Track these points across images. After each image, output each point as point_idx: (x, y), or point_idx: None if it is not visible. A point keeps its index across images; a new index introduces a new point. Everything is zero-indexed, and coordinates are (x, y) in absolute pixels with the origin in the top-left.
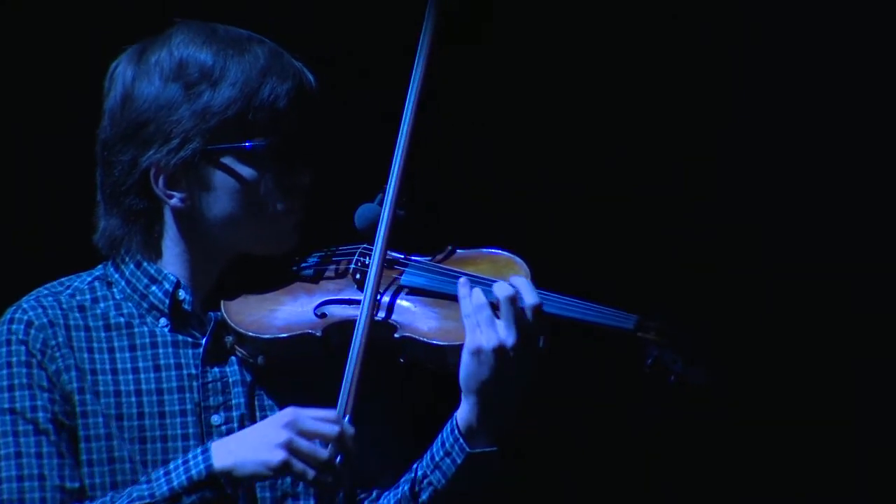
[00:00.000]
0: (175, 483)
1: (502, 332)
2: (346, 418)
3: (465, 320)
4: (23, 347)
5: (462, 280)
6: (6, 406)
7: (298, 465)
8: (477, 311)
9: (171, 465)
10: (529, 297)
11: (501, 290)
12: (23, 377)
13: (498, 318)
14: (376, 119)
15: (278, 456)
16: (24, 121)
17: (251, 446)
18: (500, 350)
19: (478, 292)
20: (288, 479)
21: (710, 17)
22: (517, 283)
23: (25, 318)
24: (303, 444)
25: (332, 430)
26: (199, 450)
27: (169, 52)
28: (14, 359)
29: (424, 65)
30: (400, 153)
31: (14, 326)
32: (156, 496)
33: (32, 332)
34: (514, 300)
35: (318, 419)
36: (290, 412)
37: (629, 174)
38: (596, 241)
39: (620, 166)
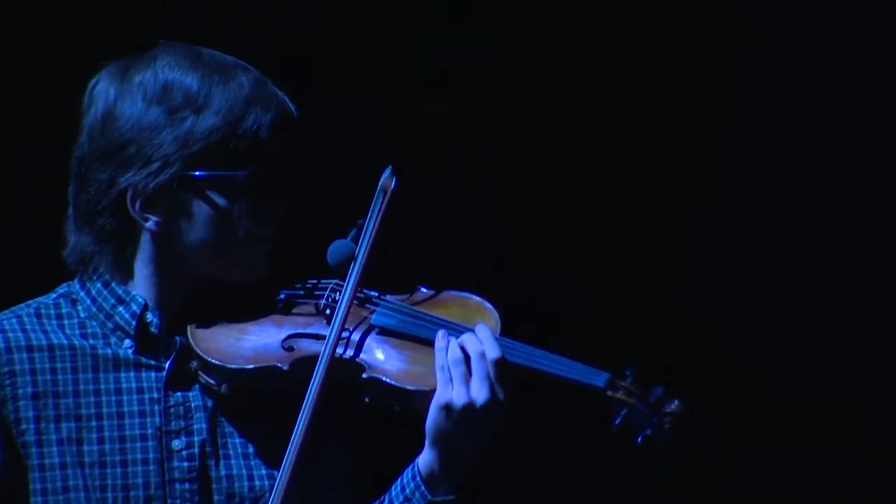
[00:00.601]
0: None
1: (473, 391)
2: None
3: (438, 372)
4: None
5: (441, 332)
6: None
7: None
8: (453, 365)
9: None
10: (491, 351)
11: (472, 346)
12: None
13: (470, 374)
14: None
15: None
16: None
17: None
18: (469, 407)
19: (455, 347)
20: None
21: (710, 17)
22: (482, 335)
23: None
24: None
25: None
26: None
27: (154, 74)
28: None
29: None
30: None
31: None
32: None
33: None
34: (484, 356)
35: None
36: None
37: (617, 197)
38: (570, 283)
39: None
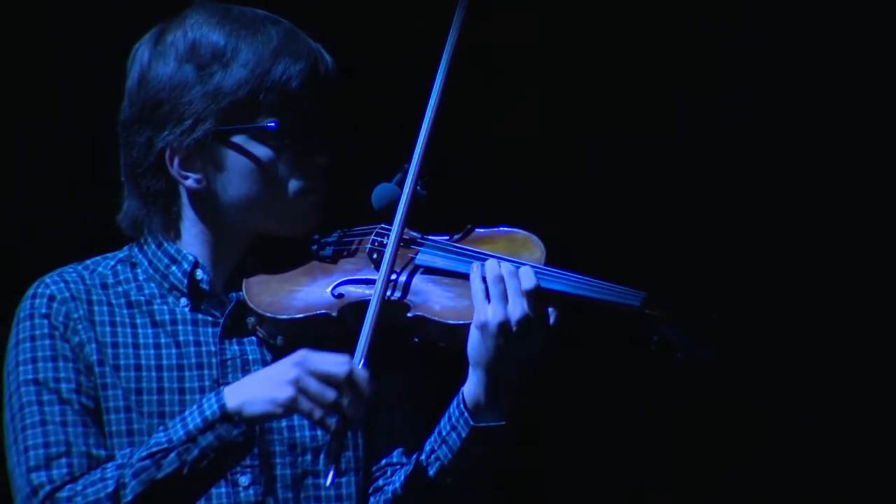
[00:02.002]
0: (191, 426)
1: (509, 308)
2: (361, 362)
3: (473, 296)
4: (45, 321)
5: (476, 262)
6: (30, 377)
7: (306, 404)
8: (491, 283)
9: (187, 412)
10: (527, 280)
11: (507, 266)
12: (46, 349)
13: (506, 294)
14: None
15: (286, 392)
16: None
17: (261, 384)
18: (504, 324)
19: (492, 264)
20: (308, 457)
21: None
22: (522, 268)
23: (48, 292)
24: (312, 382)
25: (342, 370)
26: (212, 393)
27: (183, 33)
28: (38, 332)
29: (453, 45)
30: (424, 133)
31: (37, 301)
32: (173, 441)
33: (55, 305)
34: (517, 277)
35: (329, 360)
36: (301, 352)
37: (653, 158)
38: (609, 221)
39: (643, 151)
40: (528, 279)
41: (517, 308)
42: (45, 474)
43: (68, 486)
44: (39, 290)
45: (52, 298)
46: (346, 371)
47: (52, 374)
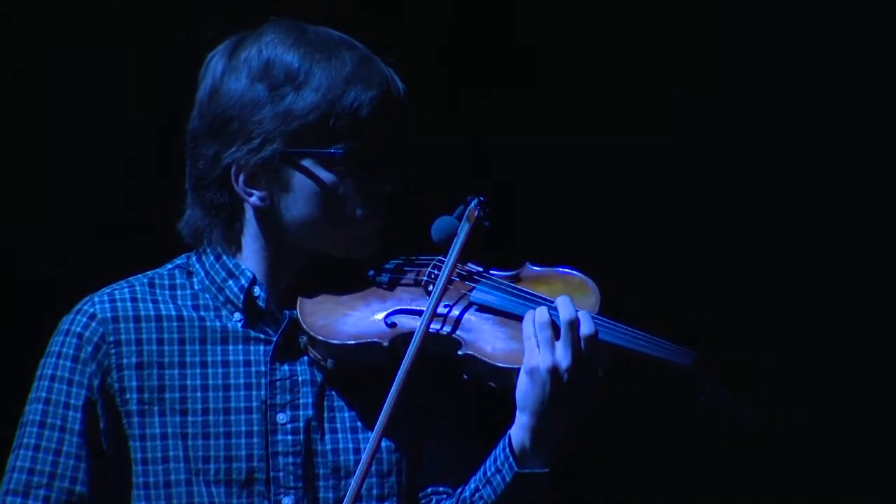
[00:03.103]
0: None
1: (559, 354)
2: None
3: (525, 341)
4: (76, 340)
5: (529, 310)
6: (42, 395)
7: None
8: (539, 329)
9: None
10: (586, 326)
11: (564, 312)
12: (66, 370)
13: (557, 340)
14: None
15: None
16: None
17: None
18: (554, 371)
19: (542, 311)
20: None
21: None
22: (580, 313)
23: (91, 310)
24: None
25: None
26: None
27: (258, 51)
28: (64, 350)
29: None
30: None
31: (77, 317)
32: None
33: (93, 325)
34: (574, 325)
35: None
36: None
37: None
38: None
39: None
40: (587, 326)
41: (568, 355)
42: (20, 502)
43: None
44: (84, 308)
45: (92, 317)
46: None
47: (63, 399)
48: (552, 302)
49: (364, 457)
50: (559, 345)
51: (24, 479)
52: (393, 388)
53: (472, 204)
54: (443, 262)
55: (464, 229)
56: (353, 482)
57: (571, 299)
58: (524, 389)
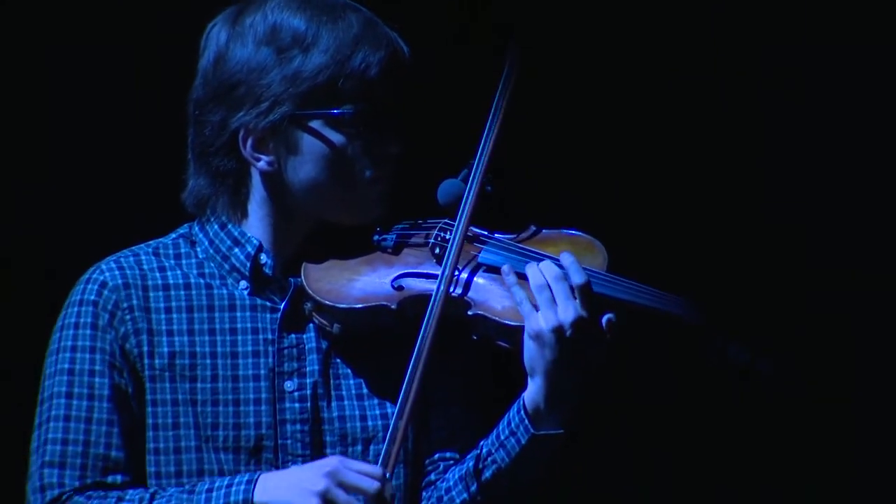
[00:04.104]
0: None
1: (560, 312)
2: (390, 474)
3: (519, 306)
4: (91, 308)
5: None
6: (66, 366)
7: None
8: (536, 292)
9: (216, 484)
10: (576, 276)
11: (550, 271)
12: (86, 339)
13: (555, 300)
14: (472, 92)
15: (313, 503)
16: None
17: (290, 488)
18: (558, 330)
19: (537, 272)
20: (359, 447)
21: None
22: (565, 261)
23: (101, 278)
24: (340, 495)
25: (371, 486)
26: (244, 478)
27: (263, 16)
28: (81, 320)
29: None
30: (491, 130)
31: (89, 286)
32: None
33: (105, 292)
34: (567, 280)
35: (360, 473)
36: (334, 461)
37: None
38: (674, 230)
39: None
40: (577, 276)
41: (569, 311)
42: (58, 473)
43: (75, 499)
44: (94, 276)
45: (103, 285)
46: (376, 487)
47: (87, 367)
48: (557, 260)
49: (394, 422)
50: (557, 302)
51: (59, 449)
52: (416, 351)
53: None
54: (449, 224)
55: (474, 185)
56: (386, 447)
57: (578, 259)
58: (531, 354)
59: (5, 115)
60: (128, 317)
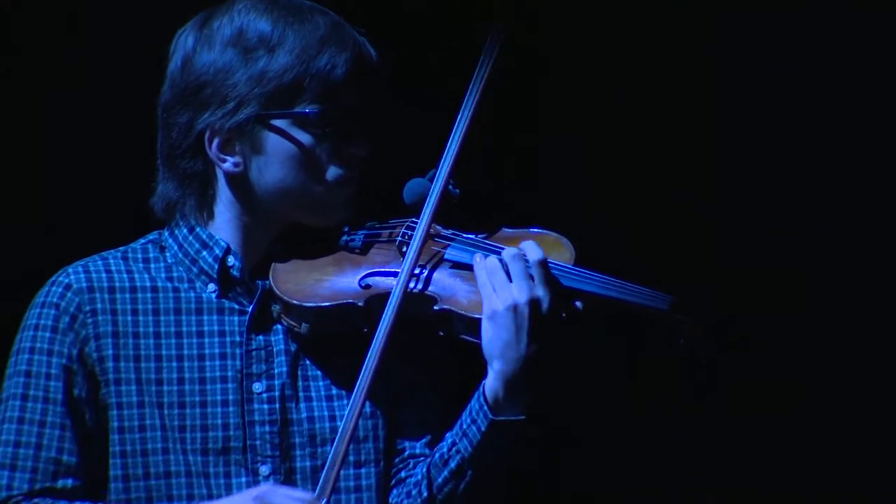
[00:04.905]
0: None
1: (514, 292)
2: (325, 501)
3: (481, 289)
4: (53, 311)
5: (477, 255)
6: (23, 368)
7: None
8: (490, 274)
9: None
10: (533, 253)
11: (508, 252)
12: (45, 342)
13: (510, 280)
14: (439, 95)
15: None
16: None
17: None
18: (513, 309)
19: (491, 258)
20: (327, 448)
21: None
22: (523, 244)
23: (66, 281)
24: None
25: None
26: None
27: (230, 19)
28: (42, 321)
29: (494, 52)
30: (458, 129)
31: (53, 289)
32: None
33: (69, 295)
34: (521, 258)
35: (290, 497)
36: (265, 487)
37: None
38: (640, 228)
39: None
40: (533, 253)
41: (524, 290)
42: (7, 475)
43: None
44: (59, 279)
45: (67, 287)
46: None
47: (44, 370)
48: (498, 246)
49: (345, 423)
50: (513, 283)
51: (11, 451)
52: (372, 348)
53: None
54: (415, 223)
55: (438, 184)
56: (336, 447)
57: (545, 254)
58: (489, 335)
59: None
60: (90, 320)
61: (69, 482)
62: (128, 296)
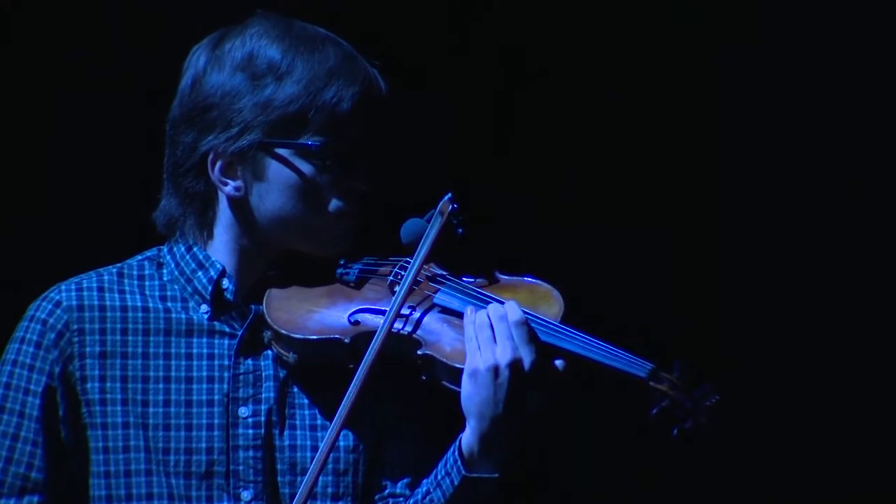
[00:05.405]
0: None
1: (498, 352)
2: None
3: (466, 343)
4: (39, 326)
5: (469, 308)
6: (3, 380)
7: None
8: (477, 330)
9: None
10: (513, 314)
11: (495, 311)
12: (28, 356)
13: (495, 340)
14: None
15: None
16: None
17: None
18: (494, 370)
19: (481, 314)
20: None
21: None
22: (508, 304)
23: (57, 298)
24: None
25: None
26: None
27: (242, 43)
28: (28, 335)
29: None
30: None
31: (43, 304)
32: None
33: (58, 312)
34: (505, 320)
35: None
36: None
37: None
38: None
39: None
40: (514, 314)
41: (506, 351)
42: None
43: None
44: (50, 295)
45: (57, 304)
46: None
47: (24, 384)
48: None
49: (319, 454)
50: (497, 342)
51: None
52: (352, 384)
53: (445, 199)
54: (408, 262)
55: (433, 229)
56: (307, 478)
57: (533, 308)
58: (468, 392)
59: None
60: (76, 339)
61: (35, 499)
62: (118, 314)
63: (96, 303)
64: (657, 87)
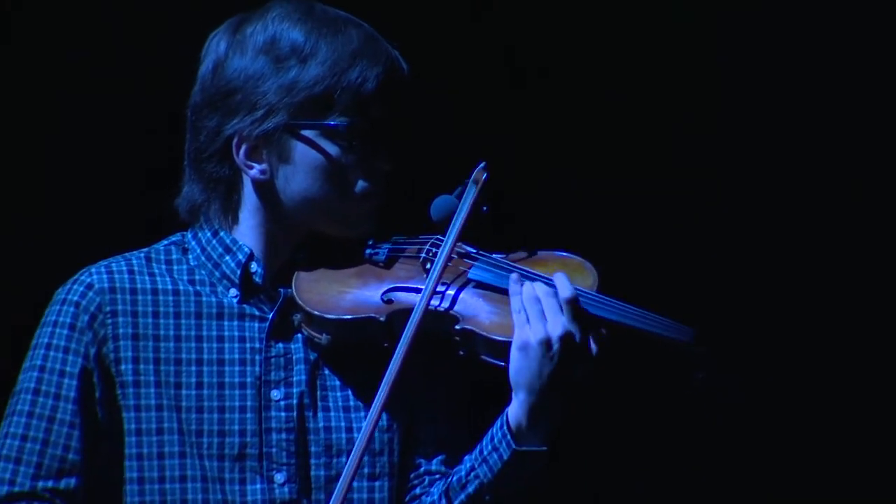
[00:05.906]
0: None
1: (549, 326)
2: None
3: (514, 316)
4: (72, 309)
5: (513, 276)
6: (38, 363)
7: None
8: (528, 304)
9: None
10: (564, 290)
11: (545, 287)
12: (62, 339)
13: (545, 313)
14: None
15: None
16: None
17: None
18: (546, 344)
19: (530, 287)
20: (343, 459)
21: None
22: (556, 279)
23: (88, 280)
24: None
25: None
26: None
27: (263, 26)
28: (61, 318)
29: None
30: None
31: (75, 287)
32: None
33: (90, 294)
34: (555, 294)
35: None
36: None
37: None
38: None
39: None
40: (565, 290)
41: (557, 325)
42: (12, 469)
43: (25, 500)
44: (81, 278)
45: (89, 287)
46: None
47: (59, 366)
48: (550, 280)
49: (362, 434)
50: (547, 316)
51: (17, 444)
52: (392, 362)
53: (479, 168)
54: (441, 240)
55: (468, 199)
56: (352, 458)
57: (568, 278)
58: (517, 365)
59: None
60: (109, 321)
61: (72, 481)
62: (149, 297)
63: (127, 285)
64: (657, 87)
